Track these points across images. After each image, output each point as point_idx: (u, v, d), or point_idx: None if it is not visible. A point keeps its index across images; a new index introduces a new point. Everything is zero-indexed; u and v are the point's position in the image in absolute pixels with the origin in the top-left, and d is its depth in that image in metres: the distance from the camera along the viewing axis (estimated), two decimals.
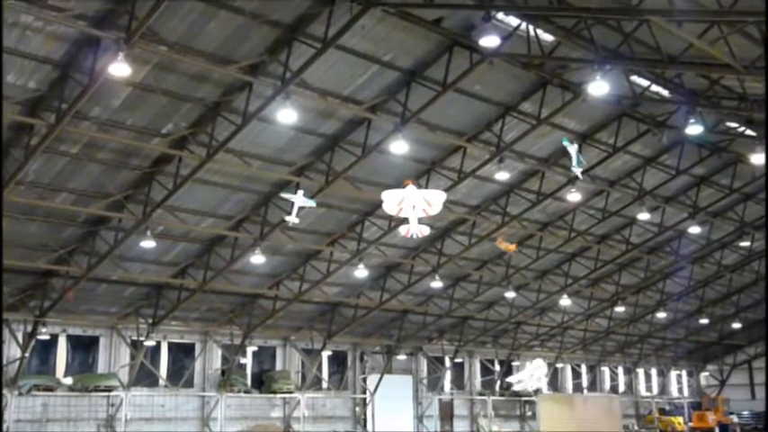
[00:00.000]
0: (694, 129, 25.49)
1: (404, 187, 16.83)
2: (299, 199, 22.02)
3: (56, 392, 32.49)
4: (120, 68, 18.48)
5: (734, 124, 28.77)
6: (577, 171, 23.33)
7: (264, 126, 24.42)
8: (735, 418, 58.05)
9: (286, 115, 22.08)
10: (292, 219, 22.03)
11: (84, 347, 34.55)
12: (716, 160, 33.09)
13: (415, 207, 16.30)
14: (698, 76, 23.92)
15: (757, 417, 59.59)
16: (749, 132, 28.60)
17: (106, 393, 33.67)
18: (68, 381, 33.07)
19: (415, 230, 16.82)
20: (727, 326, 55.89)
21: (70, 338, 33.97)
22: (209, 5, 19.54)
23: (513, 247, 32.47)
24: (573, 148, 22.36)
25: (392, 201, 16.67)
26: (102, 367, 34.55)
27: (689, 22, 18.96)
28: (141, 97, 22.22)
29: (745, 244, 42.43)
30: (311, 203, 23.21)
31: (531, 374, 40.30)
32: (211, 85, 22.61)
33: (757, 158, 28.68)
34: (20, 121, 21.26)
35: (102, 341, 34.71)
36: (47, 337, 32.62)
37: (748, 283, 48.31)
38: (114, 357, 34.83)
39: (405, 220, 17.27)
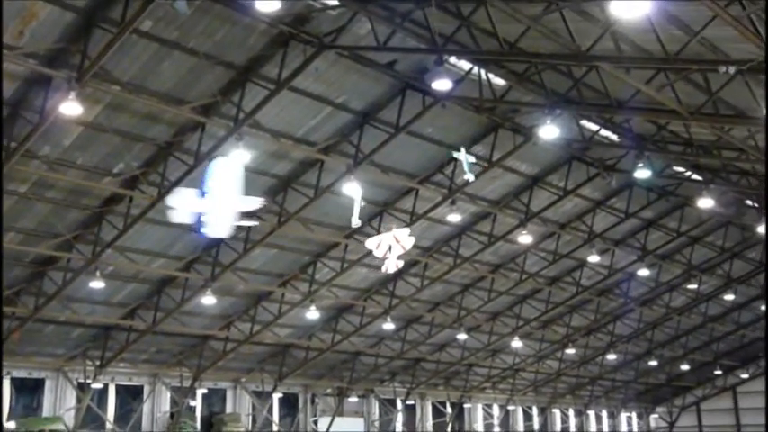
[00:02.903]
0: (642, 173, 25.90)
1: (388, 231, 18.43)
2: (358, 198, 21.89)
3: None
4: (71, 107, 18.33)
5: (681, 169, 29.34)
6: (470, 177, 23.27)
7: None
8: None
9: (239, 156, 22.01)
10: (355, 221, 21.64)
11: (28, 390, 33.69)
12: (664, 204, 33.68)
13: (391, 247, 18.01)
14: (646, 121, 24.41)
15: None
16: (695, 177, 29.20)
17: None
18: (12, 425, 32.16)
19: (395, 264, 18.50)
20: (675, 368, 56.47)
21: (14, 381, 33.09)
22: (162, 46, 19.53)
23: None
24: (462, 155, 22.64)
25: (373, 246, 18.41)
26: (47, 410, 33.67)
27: (637, 68, 19.38)
28: (92, 136, 22.02)
29: (693, 287, 43.06)
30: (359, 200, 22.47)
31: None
32: (164, 125, 22.50)
33: (703, 202, 29.22)
34: None
35: (47, 384, 33.86)
36: None
37: (696, 325, 48.94)
38: (60, 400, 33.97)
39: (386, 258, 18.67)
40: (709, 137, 24.20)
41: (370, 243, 18.82)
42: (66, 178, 23.06)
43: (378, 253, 18.75)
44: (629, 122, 25.11)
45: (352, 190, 21.70)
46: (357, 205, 21.01)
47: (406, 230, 18.93)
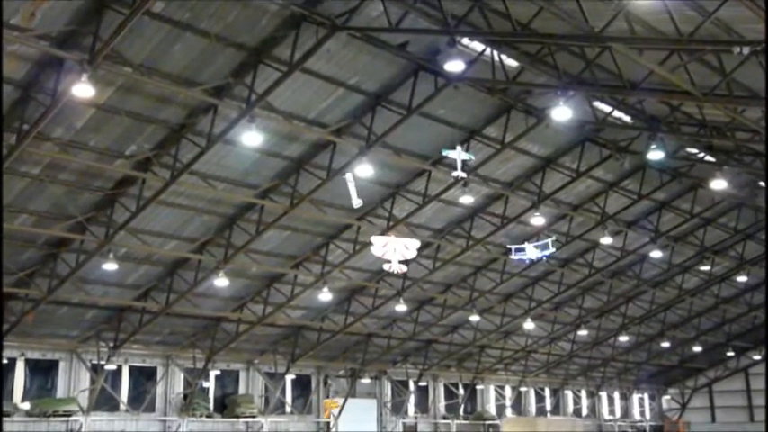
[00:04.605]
0: (655, 154, 25.83)
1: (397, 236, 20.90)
2: (351, 179, 22.80)
3: (13, 418, 31.80)
4: (83, 89, 18.34)
5: (694, 150, 29.20)
6: (461, 175, 24.25)
7: (229, 148, 24.36)
8: None
9: (251, 138, 22.04)
10: (356, 201, 22.64)
11: (42, 371, 33.95)
12: (676, 185, 33.56)
13: (396, 250, 19.81)
14: (659, 102, 24.27)
15: None
16: (708, 158, 29.06)
17: (65, 418, 33.03)
18: (26, 406, 32.45)
19: (396, 267, 20.34)
20: (688, 349, 56.46)
21: (28, 362, 33.33)
22: (174, 28, 19.51)
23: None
24: (456, 154, 23.42)
25: (379, 244, 20.09)
26: (61, 392, 33.96)
27: (650, 49, 19.27)
28: (105, 118, 22.06)
29: (706, 268, 42.92)
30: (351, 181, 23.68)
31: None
32: (176, 107, 22.51)
33: (716, 184, 29.11)
34: None
35: (61, 365, 34.12)
36: (4, 361, 32.02)
37: (709, 306, 48.88)
38: (74, 381, 34.23)
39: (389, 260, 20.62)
40: (722, 118, 24.06)
41: (377, 241, 20.25)
42: (79, 160, 23.11)
43: (378, 252, 20.24)
44: (642, 104, 25.01)
45: (347, 176, 22.60)
46: (352, 187, 21.87)
47: (417, 242, 20.36)
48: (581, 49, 21.12)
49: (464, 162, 23.89)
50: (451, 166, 27.72)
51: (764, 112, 21.56)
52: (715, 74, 19.83)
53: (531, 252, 26.48)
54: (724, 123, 24.70)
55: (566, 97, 21.89)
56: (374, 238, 20.61)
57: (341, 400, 42.93)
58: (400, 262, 20.34)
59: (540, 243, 26.27)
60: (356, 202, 23.41)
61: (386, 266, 20.94)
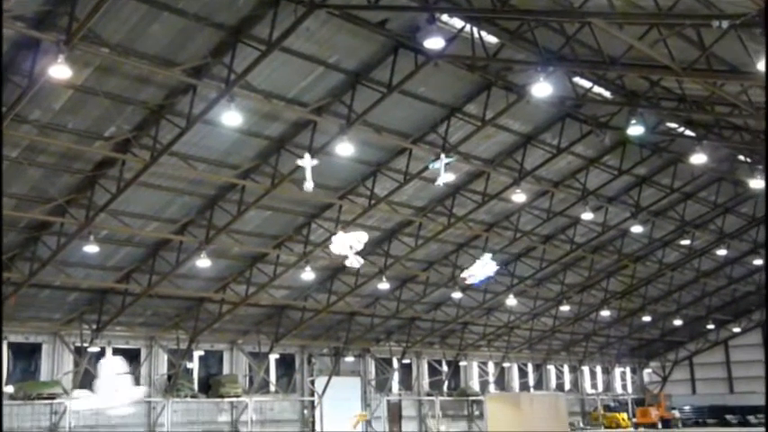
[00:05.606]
0: (635, 129, 25.94)
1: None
2: (308, 162, 23.26)
3: None
4: (60, 71, 18.18)
5: (673, 125, 29.33)
6: (443, 181, 26.10)
7: (209, 129, 24.22)
8: (677, 413, 59.29)
9: (231, 118, 21.94)
10: (309, 185, 23.07)
11: (25, 355, 33.79)
12: (656, 160, 33.72)
13: (351, 247, 21.75)
14: (638, 77, 24.36)
15: (698, 411, 61.07)
16: (688, 133, 29.20)
17: (49, 401, 32.99)
18: (9, 389, 32.34)
19: (354, 262, 22.30)
20: (668, 323, 56.99)
21: (11, 346, 33.19)
22: (151, 7, 19.33)
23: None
24: (440, 163, 25.16)
25: (338, 243, 21.88)
26: (44, 375, 33.84)
27: (629, 24, 19.29)
28: (83, 100, 21.87)
29: (686, 242, 43.30)
30: (315, 162, 23.96)
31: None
32: (155, 87, 22.34)
33: (696, 158, 29.26)
34: None
35: (44, 348, 33.99)
36: None
37: (689, 280, 49.28)
38: (57, 364, 34.12)
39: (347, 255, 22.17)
40: (701, 92, 24.17)
41: (338, 240, 21.97)
42: (58, 142, 22.96)
43: (336, 250, 22.00)
44: (622, 79, 25.09)
45: (305, 159, 23.31)
46: (308, 169, 22.73)
47: (365, 235, 22.10)
48: (560, 24, 21.11)
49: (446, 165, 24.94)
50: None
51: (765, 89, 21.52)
52: (694, 48, 19.89)
53: (478, 272, 27.25)
54: (703, 98, 24.81)
55: (546, 73, 21.92)
56: (334, 238, 22.46)
57: (325, 379, 43.16)
58: (356, 253, 22.18)
59: (479, 262, 27.30)
60: (309, 186, 23.63)
61: (346, 262, 22.76)
